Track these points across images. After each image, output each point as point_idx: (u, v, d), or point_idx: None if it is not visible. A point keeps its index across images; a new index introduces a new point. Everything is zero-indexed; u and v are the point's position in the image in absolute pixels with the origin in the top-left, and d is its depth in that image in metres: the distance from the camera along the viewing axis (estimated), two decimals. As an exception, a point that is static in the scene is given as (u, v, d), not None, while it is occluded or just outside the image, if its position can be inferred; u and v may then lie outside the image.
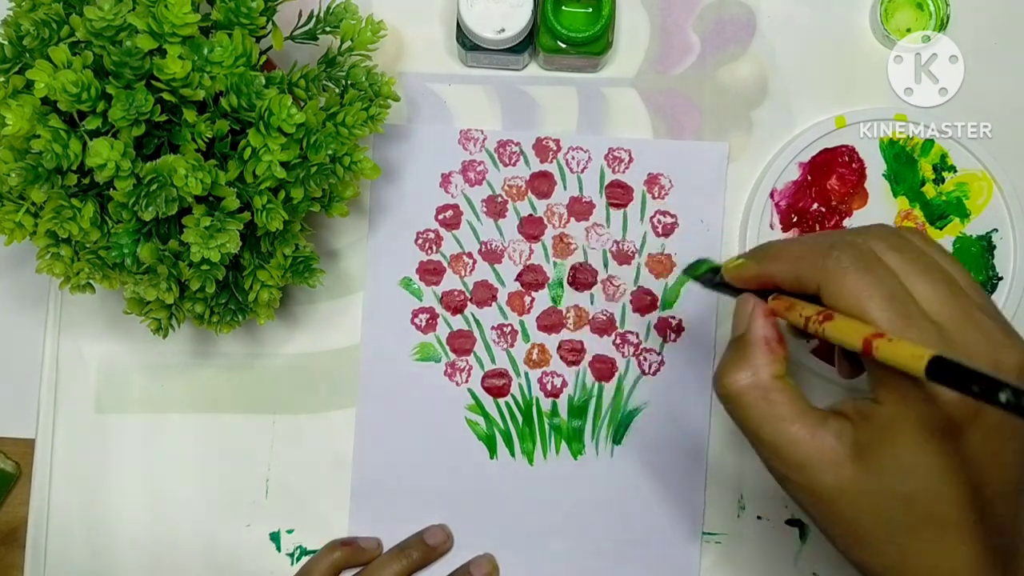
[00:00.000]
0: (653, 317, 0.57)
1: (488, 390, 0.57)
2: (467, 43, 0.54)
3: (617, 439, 0.56)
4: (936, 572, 0.36)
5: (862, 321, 0.36)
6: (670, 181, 0.57)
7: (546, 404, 0.57)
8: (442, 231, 0.57)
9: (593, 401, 0.57)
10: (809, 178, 0.57)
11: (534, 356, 0.57)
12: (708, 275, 0.45)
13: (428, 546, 0.55)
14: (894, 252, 0.38)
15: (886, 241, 0.38)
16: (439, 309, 0.57)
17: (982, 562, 0.36)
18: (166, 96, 0.43)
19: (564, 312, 0.57)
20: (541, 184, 0.57)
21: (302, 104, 0.47)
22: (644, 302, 0.57)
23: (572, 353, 0.57)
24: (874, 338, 0.34)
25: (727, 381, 0.39)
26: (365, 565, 0.55)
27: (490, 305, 0.57)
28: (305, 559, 0.56)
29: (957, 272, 0.38)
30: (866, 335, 0.35)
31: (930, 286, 0.37)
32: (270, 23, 0.47)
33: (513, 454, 0.57)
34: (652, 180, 0.57)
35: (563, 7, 0.54)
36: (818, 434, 0.37)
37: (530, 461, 0.57)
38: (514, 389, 0.57)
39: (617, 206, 0.57)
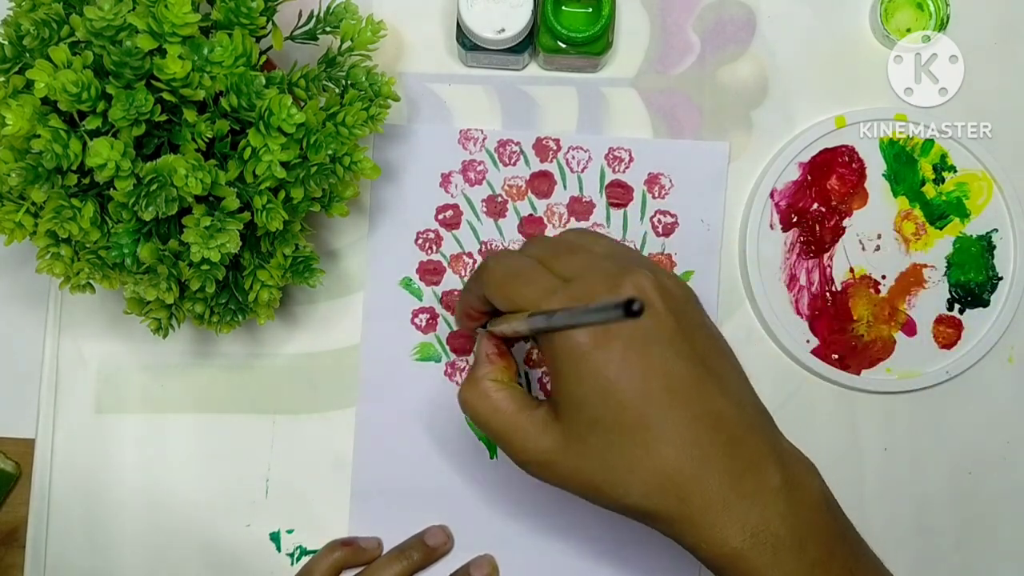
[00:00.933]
0: (653, 317, 0.57)
1: (488, 390, 0.57)
2: (467, 43, 0.54)
3: (617, 439, 0.56)
4: (655, 471, 0.40)
5: (514, 304, 0.43)
6: (670, 181, 0.57)
7: (546, 404, 0.57)
8: (442, 231, 0.57)
9: (593, 401, 0.57)
10: (809, 178, 0.57)
11: (534, 356, 0.57)
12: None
13: (428, 547, 0.55)
14: (529, 246, 0.46)
15: (528, 242, 0.47)
16: (439, 309, 0.57)
17: (690, 452, 0.40)
18: (166, 96, 0.43)
19: (564, 312, 0.57)
20: (541, 184, 0.57)
21: (302, 104, 0.47)
22: (644, 302, 0.57)
23: (572, 353, 0.57)
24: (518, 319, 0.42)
25: (460, 393, 0.45)
26: (365, 565, 0.55)
27: (490, 305, 0.57)
28: (305, 559, 0.56)
29: (598, 244, 0.46)
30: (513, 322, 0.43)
31: (565, 257, 0.43)
32: (270, 23, 0.47)
33: (513, 454, 0.57)
34: (652, 180, 0.57)
35: (563, 7, 0.54)
36: (530, 413, 0.43)
37: (530, 461, 0.57)
38: (514, 389, 0.57)
39: (617, 206, 0.57)
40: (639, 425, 0.40)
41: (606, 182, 0.57)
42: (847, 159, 0.57)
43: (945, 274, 0.57)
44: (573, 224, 0.57)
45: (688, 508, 0.40)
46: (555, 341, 0.41)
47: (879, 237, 0.57)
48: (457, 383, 0.57)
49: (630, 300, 0.31)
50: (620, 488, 0.41)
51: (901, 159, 0.57)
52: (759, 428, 0.42)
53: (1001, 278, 0.57)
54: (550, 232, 0.57)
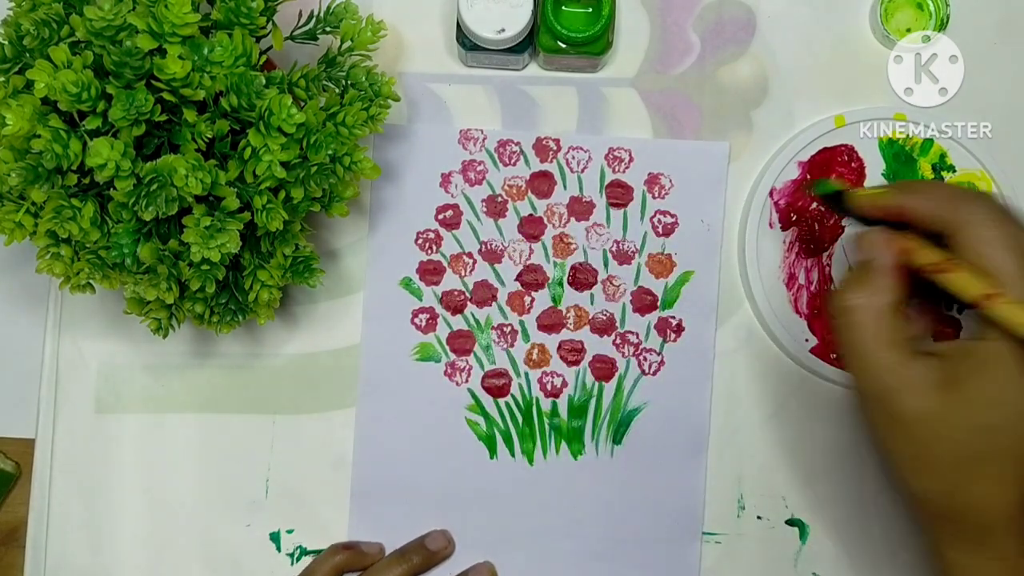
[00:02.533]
0: (653, 317, 0.57)
1: (488, 390, 0.57)
2: (467, 43, 0.54)
3: (617, 439, 0.56)
4: (989, 501, 0.39)
5: (985, 270, 0.40)
6: (670, 181, 0.57)
7: (546, 404, 0.57)
8: (442, 231, 0.57)
9: (593, 401, 0.57)
10: (809, 177, 0.57)
11: (534, 356, 0.57)
12: (832, 196, 0.48)
13: (429, 551, 0.55)
14: (1015, 215, 0.42)
15: (1003, 206, 0.43)
16: (439, 309, 0.57)
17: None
18: (166, 96, 0.43)
19: (564, 312, 0.57)
20: (541, 184, 0.57)
21: (302, 104, 0.47)
22: (644, 302, 0.57)
23: (572, 353, 0.57)
24: (990, 297, 0.40)
25: (846, 296, 0.42)
26: (366, 569, 0.55)
27: (490, 305, 0.57)
28: (305, 559, 0.56)
29: None
30: (984, 292, 0.40)
31: None
32: (270, 23, 0.47)
33: (513, 454, 0.57)
34: (652, 180, 0.57)
35: (563, 7, 0.54)
36: (911, 363, 0.41)
37: (530, 461, 0.57)
38: (514, 389, 0.57)
39: (617, 206, 0.57)
40: (1017, 457, 0.40)
41: (606, 182, 0.57)
42: (846, 158, 0.57)
43: (945, 274, 0.57)
44: (573, 224, 0.57)
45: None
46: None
47: (879, 237, 0.57)
48: (457, 383, 0.57)
49: None
50: (937, 483, 0.41)
51: (900, 159, 0.57)
52: None
53: (1001, 278, 0.57)
54: (551, 232, 0.57)
